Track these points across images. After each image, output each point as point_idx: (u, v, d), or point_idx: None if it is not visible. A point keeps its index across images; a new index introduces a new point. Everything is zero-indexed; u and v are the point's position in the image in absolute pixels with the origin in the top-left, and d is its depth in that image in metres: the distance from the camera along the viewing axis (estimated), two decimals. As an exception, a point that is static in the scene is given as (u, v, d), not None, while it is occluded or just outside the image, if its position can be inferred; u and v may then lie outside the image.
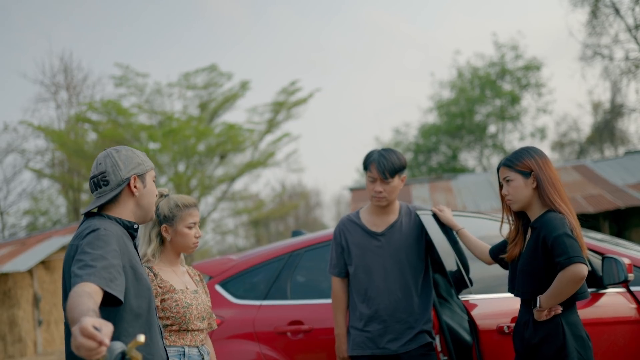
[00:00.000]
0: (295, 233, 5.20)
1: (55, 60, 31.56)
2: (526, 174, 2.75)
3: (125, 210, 2.21)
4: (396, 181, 3.32)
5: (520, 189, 2.75)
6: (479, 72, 24.25)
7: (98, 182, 2.19)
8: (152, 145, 18.64)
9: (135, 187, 2.21)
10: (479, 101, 24.04)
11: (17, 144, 21.87)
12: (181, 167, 19.09)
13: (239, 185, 25.51)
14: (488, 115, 24.37)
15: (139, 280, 2.11)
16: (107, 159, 2.20)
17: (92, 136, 20.45)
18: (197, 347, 2.76)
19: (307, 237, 4.43)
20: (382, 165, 3.28)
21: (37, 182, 22.83)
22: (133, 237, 2.25)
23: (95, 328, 1.48)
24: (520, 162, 2.77)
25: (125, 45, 38.60)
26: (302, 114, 29.25)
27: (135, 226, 2.23)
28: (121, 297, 1.90)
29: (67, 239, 13.61)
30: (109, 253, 1.95)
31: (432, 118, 25.53)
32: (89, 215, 2.20)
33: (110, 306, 1.93)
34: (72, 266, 1.91)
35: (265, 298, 4.13)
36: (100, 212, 2.21)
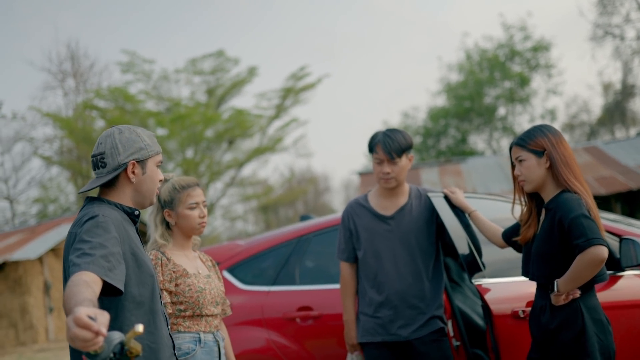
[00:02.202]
0: (304, 218, 5.12)
1: (62, 48, 31.51)
2: (539, 153, 2.65)
3: (124, 196, 2.13)
4: (404, 161, 3.24)
5: (533, 168, 2.65)
6: (487, 54, 24.01)
7: (97, 163, 2.11)
8: (160, 132, 18.59)
9: (133, 172, 2.11)
10: (488, 83, 23.81)
11: (26, 131, 21.89)
12: (189, 153, 19.05)
13: (247, 170, 25.48)
14: (497, 97, 24.16)
15: (140, 267, 2.04)
16: (108, 139, 2.11)
17: (99, 123, 20.42)
18: (212, 332, 2.71)
19: (316, 221, 4.36)
20: (388, 145, 3.19)
21: (46, 170, 22.89)
22: (135, 223, 2.18)
23: (91, 318, 1.41)
24: (533, 140, 2.67)
25: (131, 31, 38.53)
26: (310, 99, 29.17)
27: (136, 212, 2.15)
28: (120, 287, 1.83)
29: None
30: (108, 241, 1.87)
31: (441, 101, 25.37)
32: (90, 199, 2.13)
33: (110, 295, 1.86)
34: (70, 255, 1.84)
35: (273, 284, 4.07)
36: (100, 196, 2.14)
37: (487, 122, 24.45)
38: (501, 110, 24.60)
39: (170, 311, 2.63)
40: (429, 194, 3.37)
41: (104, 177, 2.09)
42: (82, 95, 22.39)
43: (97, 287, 1.73)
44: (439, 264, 3.37)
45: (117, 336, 1.50)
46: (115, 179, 2.12)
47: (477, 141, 25.23)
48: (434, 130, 24.79)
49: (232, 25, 44.18)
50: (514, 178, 2.78)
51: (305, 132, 47.90)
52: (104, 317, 1.43)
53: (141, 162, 2.13)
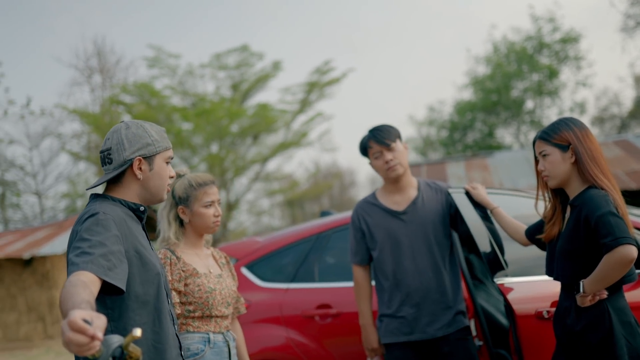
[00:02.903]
0: (324, 214, 5.06)
1: (89, 45, 31.82)
2: (564, 147, 2.53)
3: (130, 192, 2.08)
4: (400, 145, 3.20)
5: (558, 163, 2.54)
6: (515, 47, 23.64)
7: (104, 159, 2.07)
8: (186, 126, 18.66)
9: (140, 169, 2.06)
10: (516, 76, 23.45)
11: (53, 127, 22.15)
12: (214, 148, 19.09)
13: (272, 165, 25.46)
14: (525, 90, 23.78)
15: (145, 266, 1.98)
16: (114, 134, 2.06)
17: (126, 118, 20.56)
18: (222, 333, 2.65)
19: (335, 217, 4.29)
20: (379, 135, 3.18)
21: (73, 165, 23.13)
22: (141, 219, 2.12)
23: (86, 321, 1.35)
24: (557, 134, 2.55)
25: (157, 26, 38.72)
26: (335, 93, 29.03)
27: (142, 208, 2.10)
28: (121, 286, 1.78)
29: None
30: (108, 239, 1.82)
31: (468, 95, 25.06)
32: (95, 196, 2.08)
33: (112, 295, 1.81)
34: (69, 254, 1.79)
35: (292, 281, 4.01)
36: (105, 193, 2.09)
37: (514, 115, 24.10)
38: (529, 104, 24.22)
39: (179, 311, 2.57)
40: (450, 190, 3.28)
41: (110, 173, 2.05)
42: (108, 91, 22.58)
43: (96, 287, 1.67)
44: (454, 257, 3.30)
45: (116, 340, 1.44)
46: (122, 176, 2.07)
47: (504, 135, 24.89)
48: (461, 124, 24.51)
49: (256, 19, 44.19)
50: (538, 173, 2.68)
51: (330, 127, 47.76)
52: (100, 321, 1.38)
53: (148, 158, 2.07)
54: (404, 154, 3.20)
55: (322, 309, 3.84)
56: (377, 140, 3.16)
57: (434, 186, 3.33)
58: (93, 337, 1.33)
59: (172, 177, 2.16)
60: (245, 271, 4.12)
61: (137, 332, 1.37)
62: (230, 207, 20.08)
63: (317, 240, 4.12)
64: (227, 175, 19.20)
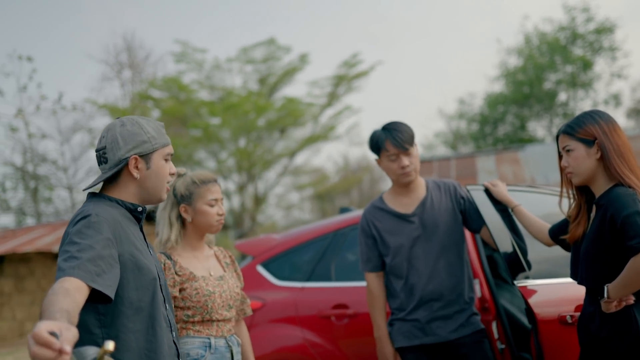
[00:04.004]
0: (343, 210, 4.94)
1: (119, 40, 32.08)
2: (589, 142, 2.37)
3: (127, 192, 1.98)
4: (415, 149, 3.04)
5: (582, 159, 2.37)
6: (547, 38, 23.16)
7: (99, 158, 1.98)
8: (214, 121, 18.69)
9: (136, 167, 1.96)
10: (548, 68, 22.97)
11: (84, 122, 22.36)
12: (242, 142, 19.10)
13: (300, 159, 25.42)
14: (558, 82, 23.29)
15: (140, 270, 1.88)
16: (109, 132, 1.97)
17: (155, 113, 20.68)
18: (225, 337, 2.54)
19: (352, 214, 4.16)
20: (399, 138, 2.99)
21: (104, 160, 23.29)
22: (139, 220, 2.02)
23: (54, 333, 1.25)
24: (582, 128, 2.38)
25: (184, 21, 38.77)
26: (363, 86, 28.82)
27: (140, 209, 2.00)
28: (109, 293, 1.68)
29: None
30: (98, 242, 1.72)
31: (499, 87, 24.64)
32: (91, 196, 1.99)
33: (102, 302, 1.71)
34: (58, 257, 1.70)
35: (308, 280, 3.91)
36: (101, 192, 2.00)
37: (547, 108, 23.63)
38: (562, 96, 23.72)
39: (178, 316, 2.47)
40: (468, 187, 3.13)
41: (106, 173, 1.95)
42: (137, 86, 22.74)
43: (82, 294, 1.58)
44: (465, 256, 3.16)
45: (92, 352, 1.35)
46: (118, 175, 1.97)
47: (536, 128, 24.43)
48: (491, 117, 24.13)
49: (283, 12, 43.98)
50: (561, 169, 2.51)
51: (358, 120, 47.53)
52: (69, 333, 1.28)
53: (145, 157, 1.97)
54: (417, 158, 3.07)
55: (339, 309, 3.72)
56: (396, 144, 2.99)
57: (442, 185, 3.20)
58: (60, 351, 1.23)
59: (172, 175, 2.06)
60: (261, 269, 4.03)
61: (110, 345, 1.28)
62: (259, 200, 20.09)
63: (334, 238, 4.00)
64: (255, 169, 19.20)
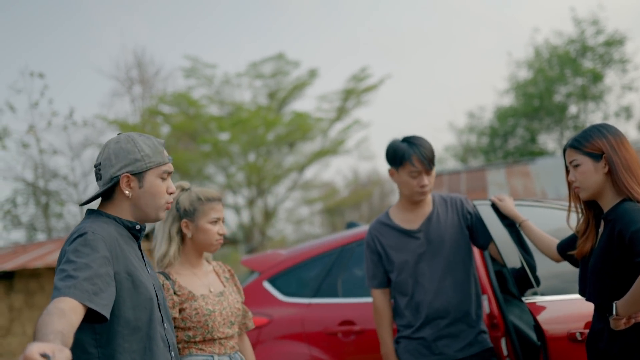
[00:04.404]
0: (350, 225, 4.91)
1: (129, 56, 32.33)
2: (596, 156, 2.33)
3: (123, 210, 1.96)
4: (434, 169, 2.99)
5: (590, 174, 2.33)
6: (557, 50, 23.11)
7: (96, 174, 1.97)
8: (223, 136, 18.73)
9: (128, 186, 1.94)
10: (559, 81, 22.90)
11: (94, 138, 22.47)
12: (251, 157, 19.12)
13: (309, 173, 25.44)
14: (568, 95, 23.21)
15: (137, 289, 1.86)
16: (105, 149, 1.96)
17: (165, 129, 20.75)
18: (229, 355, 2.51)
19: (359, 230, 4.13)
20: (425, 155, 2.91)
21: (114, 176, 23.36)
22: (137, 238, 2.00)
23: (46, 355, 1.23)
24: (589, 142, 2.34)
25: (193, 36, 39.01)
26: (372, 100, 28.81)
27: (138, 227, 1.98)
28: (104, 313, 1.65)
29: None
30: (94, 261, 1.70)
31: (509, 100, 24.59)
32: (89, 212, 1.98)
33: (97, 322, 1.69)
34: (55, 276, 1.69)
35: (314, 296, 3.88)
36: (99, 208, 1.98)
37: (557, 121, 23.53)
38: (572, 109, 23.62)
39: (180, 337, 2.44)
40: (475, 202, 3.09)
41: (100, 188, 1.94)
42: (147, 102, 22.85)
43: (77, 314, 1.56)
44: (474, 271, 3.10)
45: None
46: (113, 192, 1.95)
47: (547, 141, 24.32)
48: (501, 130, 24.05)
49: (291, 27, 44.09)
50: (569, 184, 2.48)
51: (368, 134, 47.43)
52: (62, 354, 1.26)
53: (137, 175, 1.94)
54: (434, 177, 3.02)
55: (345, 325, 3.69)
56: (423, 162, 2.90)
57: (448, 199, 3.14)
58: None
59: (171, 194, 2.03)
60: (267, 285, 4.00)
61: None
62: (268, 215, 20.06)
63: (340, 254, 3.97)
64: (264, 184, 19.20)
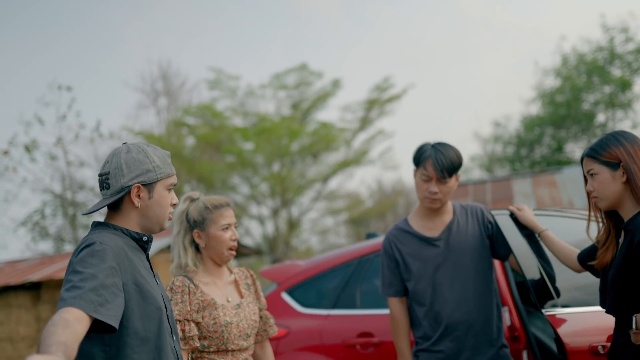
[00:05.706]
0: (370, 235, 4.87)
1: (155, 68, 32.71)
2: (614, 165, 2.27)
3: (129, 220, 1.95)
4: (453, 181, 2.90)
5: (607, 183, 2.28)
6: (585, 58, 22.82)
7: (102, 183, 1.94)
8: (247, 146, 18.82)
9: (138, 196, 1.93)
10: (586, 89, 22.60)
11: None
12: (275, 167, 19.17)
13: (333, 184, 25.41)
14: (596, 103, 22.89)
15: (145, 299, 1.84)
16: (114, 158, 1.93)
17: (190, 140, 20.91)
18: None
19: (377, 240, 4.08)
20: (440, 162, 2.84)
21: (140, 186, 23.58)
22: (144, 249, 1.99)
23: None
24: (606, 151, 2.28)
25: (217, 49, 39.35)
26: (396, 110, 28.71)
27: (145, 238, 1.97)
28: (112, 323, 1.64)
29: (167, 240, 13.88)
30: (101, 272, 1.69)
31: (535, 109, 24.32)
32: (96, 224, 1.97)
33: (106, 332, 1.68)
34: (62, 286, 1.68)
35: (333, 307, 3.84)
36: (106, 220, 1.97)
37: (585, 129, 23.20)
38: (600, 117, 23.28)
39: (196, 345, 2.43)
40: (493, 212, 3.03)
41: (107, 199, 1.92)
42: (172, 113, 23.07)
43: (83, 325, 1.54)
44: (495, 283, 3.02)
45: None
46: (120, 202, 1.94)
47: (574, 150, 23.98)
48: (528, 139, 23.79)
49: (314, 38, 44.21)
50: (587, 194, 2.42)
51: (391, 144, 47.33)
52: None
53: (148, 186, 1.94)
54: (452, 190, 2.92)
55: (364, 337, 3.64)
56: (436, 168, 2.84)
57: (469, 208, 3.07)
58: None
59: (173, 205, 2.03)
60: (285, 296, 3.98)
61: None
62: (293, 225, 20.05)
63: (359, 265, 3.93)
64: (288, 194, 19.22)
